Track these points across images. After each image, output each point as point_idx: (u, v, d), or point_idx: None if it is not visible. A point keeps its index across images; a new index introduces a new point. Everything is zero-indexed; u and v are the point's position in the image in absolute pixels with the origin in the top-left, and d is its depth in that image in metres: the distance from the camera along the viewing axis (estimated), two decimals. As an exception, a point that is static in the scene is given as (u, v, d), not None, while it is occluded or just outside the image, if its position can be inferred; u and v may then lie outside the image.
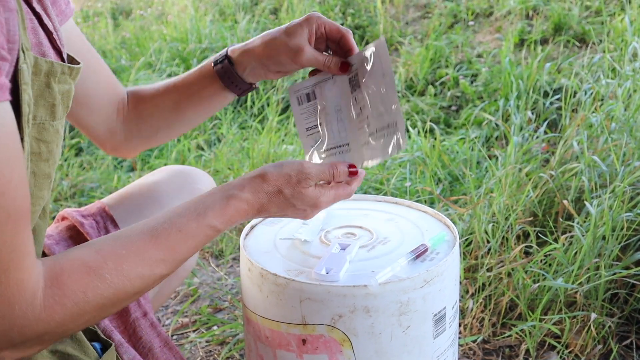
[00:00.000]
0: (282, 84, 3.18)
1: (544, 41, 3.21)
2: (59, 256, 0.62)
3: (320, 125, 0.91)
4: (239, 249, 1.88)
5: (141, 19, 4.85)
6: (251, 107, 3.10)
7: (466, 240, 1.59)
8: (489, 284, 1.43)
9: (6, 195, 0.53)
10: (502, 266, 1.44)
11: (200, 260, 1.86)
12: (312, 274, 0.81)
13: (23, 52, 0.56)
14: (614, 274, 1.32)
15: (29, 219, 0.57)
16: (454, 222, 1.64)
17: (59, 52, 0.68)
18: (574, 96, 2.25)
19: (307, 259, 0.87)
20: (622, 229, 1.38)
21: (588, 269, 1.33)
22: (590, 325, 1.26)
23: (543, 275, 1.38)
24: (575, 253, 1.39)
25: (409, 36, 3.66)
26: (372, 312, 0.77)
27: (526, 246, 1.52)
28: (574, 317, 1.32)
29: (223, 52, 0.92)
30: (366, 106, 0.84)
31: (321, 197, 0.79)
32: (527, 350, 1.31)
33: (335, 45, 0.88)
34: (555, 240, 1.48)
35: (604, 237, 1.38)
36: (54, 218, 0.99)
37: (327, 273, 0.79)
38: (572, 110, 2.24)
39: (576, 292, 1.34)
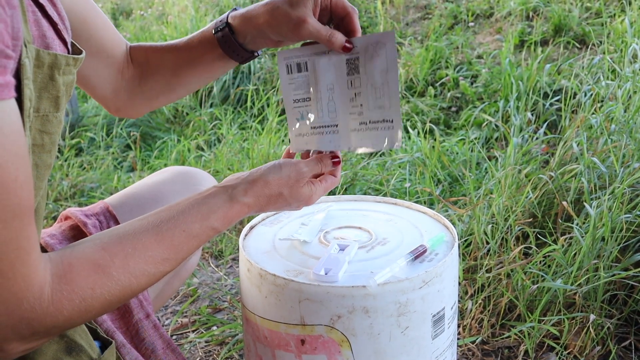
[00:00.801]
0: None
1: (544, 42, 3.21)
2: (65, 251, 0.63)
3: (310, 100, 0.88)
4: (238, 249, 1.88)
5: (141, 20, 4.86)
6: (251, 107, 3.10)
7: (465, 241, 1.59)
8: (488, 285, 1.43)
9: (12, 193, 0.53)
10: (502, 267, 1.44)
11: (200, 260, 1.86)
12: (311, 274, 0.81)
13: (25, 46, 0.56)
14: (613, 275, 1.32)
15: (32, 215, 0.57)
16: (454, 223, 1.65)
17: (63, 42, 0.67)
18: (574, 97, 2.25)
19: (306, 260, 0.87)
20: (621, 230, 1.38)
21: (587, 270, 1.34)
22: (589, 327, 1.27)
23: (542, 276, 1.38)
24: (575, 254, 1.39)
25: (409, 37, 3.67)
26: (371, 312, 0.77)
27: (525, 247, 1.52)
28: (573, 318, 1.32)
29: (224, 17, 0.88)
30: (363, 94, 0.84)
31: (313, 195, 0.85)
32: (526, 351, 1.31)
33: (338, 22, 0.84)
34: (555, 242, 1.48)
35: (603, 239, 1.38)
36: (54, 218, 0.99)
37: (325, 274, 0.80)
38: (572, 112, 2.24)
39: (575, 294, 1.34)
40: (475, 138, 2.45)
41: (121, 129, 3.03)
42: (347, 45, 0.82)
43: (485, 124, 2.53)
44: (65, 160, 2.67)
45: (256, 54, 0.91)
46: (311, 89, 0.88)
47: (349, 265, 0.84)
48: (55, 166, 2.58)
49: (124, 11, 5.48)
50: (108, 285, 0.63)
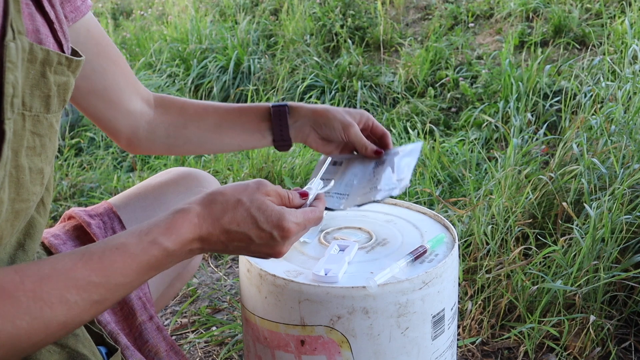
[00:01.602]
0: (282, 85, 3.18)
1: (544, 43, 3.21)
2: None
3: (334, 178, 0.99)
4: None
5: (142, 19, 4.86)
6: (251, 107, 3.10)
7: (465, 241, 1.59)
8: (488, 286, 1.43)
9: None
10: (501, 268, 1.44)
11: (199, 261, 1.86)
12: (311, 275, 0.81)
13: (13, 31, 0.55)
14: (613, 276, 1.32)
15: None
16: (454, 224, 1.65)
17: (59, 43, 0.66)
18: (574, 98, 2.26)
19: (306, 260, 0.87)
20: (621, 231, 1.38)
21: (587, 271, 1.33)
22: (589, 328, 1.26)
23: (542, 277, 1.38)
24: (574, 255, 1.39)
25: (409, 38, 3.67)
26: (371, 313, 0.77)
27: (525, 248, 1.52)
28: (573, 319, 1.32)
29: (286, 102, 0.98)
30: (380, 179, 0.95)
31: (287, 215, 0.69)
32: (526, 352, 1.31)
33: (375, 140, 1.01)
34: (555, 243, 1.48)
35: (603, 240, 1.38)
36: (54, 218, 0.98)
37: (325, 274, 0.79)
38: (572, 113, 2.24)
39: (575, 294, 1.34)
40: (475, 139, 2.45)
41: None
42: (379, 151, 0.98)
43: (485, 124, 2.53)
44: (65, 160, 2.67)
45: (290, 142, 0.99)
46: (339, 173, 0.99)
47: (348, 265, 0.84)
48: (54, 166, 2.58)
49: (124, 11, 5.48)
50: (11, 313, 0.51)
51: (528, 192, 1.62)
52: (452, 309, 0.87)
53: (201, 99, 3.36)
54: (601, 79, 2.33)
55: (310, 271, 0.82)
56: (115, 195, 2.27)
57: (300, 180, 2.19)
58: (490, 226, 1.56)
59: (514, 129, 2.15)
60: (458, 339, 1.36)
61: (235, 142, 1.00)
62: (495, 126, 2.47)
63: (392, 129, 2.69)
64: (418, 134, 2.46)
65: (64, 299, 0.55)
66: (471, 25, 3.68)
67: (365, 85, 3.11)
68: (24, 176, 0.61)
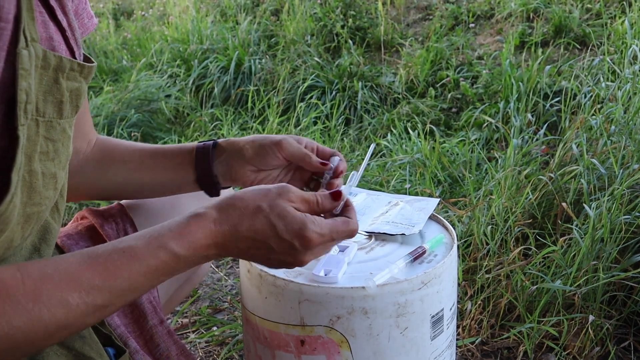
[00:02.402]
0: (282, 86, 3.19)
1: (545, 43, 3.21)
2: None
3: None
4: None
5: (143, 20, 4.87)
6: (252, 108, 3.11)
7: (465, 242, 1.60)
8: (488, 286, 1.44)
9: None
10: (501, 268, 1.44)
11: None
12: (311, 275, 0.81)
13: (25, 38, 0.55)
14: (612, 276, 1.32)
15: None
16: (453, 224, 1.65)
17: (71, 50, 0.66)
18: (574, 99, 2.26)
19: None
20: (620, 231, 1.38)
21: (586, 271, 1.34)
22: (588, 327, 1.27)
23: (541, 277, 1.39)
24: (574, 255, 1.40)
25: (410, 38, 3.67)
26: (370, 313, 0.78)
27: (525, 248, 1.53)
28: (572, 319, 1.33)
29: (212, 140, 0.91)
30: (393, 215, 0.98)
31: (310, 224, 0.65)
32: (525, 352, 1.32)
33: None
34: (554, 243, 1.49)
35: (602, 240, 1.38)
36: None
37: (325, 275, 0.80)
38: (572, 113, 2.24)
39: (574, 294, 1.34)
40: (476, 139, 2.45)
41: (122, 129, 3.03)
42: (324, 162, 0.86)
43: (485, 125, 2.54)
44: (67, 161, 2.68)
45: (216, 182, 0.90)
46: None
47: (348, 266, 0.84)
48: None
49: (125, 11, 5.48)
50: (8, 313, 0.50)
51: (528, 193, 1.63)
52: (451, 309, 0.87)
53: (202, 99, 3.37)
54: (601, 79, 2.33)
55: (310, 272, 0.82)
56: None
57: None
58: (490, 226, 1.57)
59: (514, 129, 2.16)
60: (458, 339, 1.37)
61: (156, 186, 0.93)
62: (496, 126, 2.47)
63: (392, 129, 2.69)
64: (418, 134, 2.47)
65: (64, 302, 0.53)
66: (472, 25, 3.68)
67: (366, 86, 3.11)
68: (37, 181, 0.61)
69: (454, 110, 2.92)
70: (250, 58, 3.51)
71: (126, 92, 3.17)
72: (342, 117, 2.92)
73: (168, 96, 3.33)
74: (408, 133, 2.56)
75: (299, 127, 2.73)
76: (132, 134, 3.05)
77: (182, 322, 1.55)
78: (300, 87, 3.10)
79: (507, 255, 1.47)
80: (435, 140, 2.27)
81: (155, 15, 4.93)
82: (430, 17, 3.94)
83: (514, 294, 1.39)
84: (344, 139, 2.69)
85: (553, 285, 1.33)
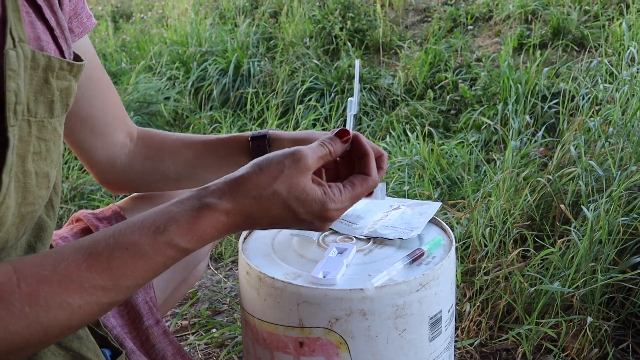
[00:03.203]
0: (282, 88, 3.19)
1: (543, 45, 3.22)
2: None
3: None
4: (237, 252, 1.89)
5: (141, 22, 4.87)
6: (251, 110, 3.11)
7: (464, 244, 1.60)
8: (486, 288, 1.44)
9: None
10: (499, 270, 1.45)
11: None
12: (310, 277, 0.81)
13: (13, 38, 0.55)
14: (610, 277, 1.33)
15: None
16: (452, 226, 1.65)
17: (60, 49, 0.66)
18: (572, 100, 2.26)
19: (305, 263, 0.88)
20: (618, 233, 1.39)
21: (584, 272, 1.34)
22: (586, 329, 1.27)
23: (540, 279, 1.39)
24: (572, 257, 1.40)
25: (409, 40, 3.68)
26: (369, 315, 0.78)
27: (523, 250, 1.53)
28: (571, 320, 1.33)
29: (264, 131, 0.92)
30: (393, 219, 0.98)
31: (330, 204, 0.64)
32: (524, 354, 1.32)
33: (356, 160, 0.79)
34: (552, 245, 1.49)
35: (600, 242, 1.38)
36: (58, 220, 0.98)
37: (324, 277, 0.80)
38: (570, 115, 2.25)
39: (573, 296, 1.35)
40: (474, 141, 2.46)
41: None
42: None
43: (484, 127, 2.54)
44: (66, 163, 2.68)
45: None
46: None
47: (347, 268, 0.85)
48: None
49: (124, 14, 5.49)
50: (4, 318, 0.49)
51: (526, 194, 1.63)
52: (449, 310, 0.87)
53: (201, 101, 3.37)
54: (599, 81, 2.34)
55: (309, 274, 0.83)
56: (115, 197, 2.28)
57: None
58: (489, 228, 1.57)
59: (513, 131, 2.16)
60: (456, 341, 1.37)
61: (212, 176, 0.92)
62: (494, 128, 2.48)
63: (391, 131, 2.69)
64: (417, 136, 2.47)
65: (64, 304, 0.51)
66: (470, 27, 3.69)
67: (364, 88, 3.12)
68: (31, 181, 0.61)
69: (452, 112, 2.93)
70: (249, 60, 3.51)
71: (125, 94, 3.18)
72: (341, 119, 2.93)
73: (167, 98, 3.33)
74: (407, 135, 2.57)
75: (298, 129, 2.74)
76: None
77: (181, 324, 1.56)
78: (299, 90, 3.10)
79: (506, 257, 1.48)
80: (434, 142, 2.28)
81: (154, 17, 4.94)
82: (429, 19, 3.95)
83: (512, 296, 1.39)
84: (343, 141, 2.69)
85: (551, 286, 1.33)
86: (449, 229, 0.95)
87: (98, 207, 2.09)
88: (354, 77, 0.84)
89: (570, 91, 2.30)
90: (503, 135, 2.36)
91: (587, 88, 2.30)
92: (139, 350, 0.86)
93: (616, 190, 1.47)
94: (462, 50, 3.38)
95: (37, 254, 0.55)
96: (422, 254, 0.87)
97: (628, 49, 2.30)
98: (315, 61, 3.39)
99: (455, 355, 1.29)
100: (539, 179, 1.68)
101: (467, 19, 3.74)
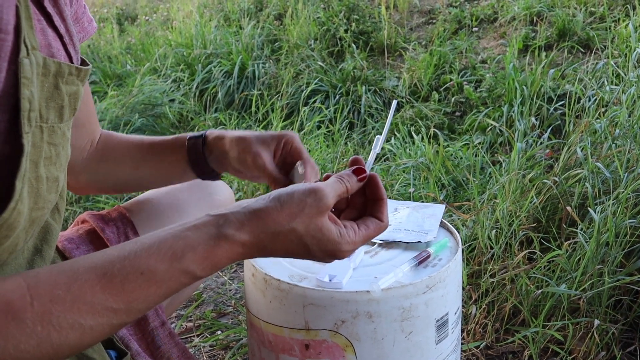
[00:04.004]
0: (286, 90, 3.19)
1: (548, 47, 3.21)
2: None
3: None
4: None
5: (146, 25, 4.88)
6: (255, 112, 3.11)
7: (470, 246, 1.59)
8: (492, 290, 1.43)
9: None
10: (506, 272, 1.44)
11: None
12: (315, 281, 0.81)
13: (26, 47, 0.56)
14: (618, 280, 1.32)
15: None
16: (458, 228, 1.65)
17: (69, 56, 0.68)
18: (578, 102, 2.26)
19: (311, 265, 0.87)
20: (625, 235, 1.38)
21: (591, 275, 1.33)
22: (593, 332, 1.26)
23: (546, 281, 1.38)
24: (579, 259, 1.39)
25: (413, 42, 3.67)
26: (375, 317, 0.78)
27: (529, 252, 1.52)
28: (577, 323, 1.32)
29: (204, 131, 0.91)
30: (405, 222, 0.98)
31: (344, 246, 0.64)
32: (530, 357, 1.31)
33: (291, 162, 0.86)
34: (559, 247, 1.48)
35: (607, 244, 1.38)
36: (64, 221, 0.98)
37: (330, 280, 0.80)
38: (576, 117, 2.24)
39: (579, 299, 1.34)
40: (479, 143, 2.45)
41: (126, 133, 3.05)
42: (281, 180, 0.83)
43: (489, 128, 2.54)
44: (71, 165, 2.69)
45: (216, 173, 0.91)
46: None
47: (353, 270, 0.84)
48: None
49: (129, 16, 5.50)
50: (15, 337, 0.48)
51: (532, 196, 1.63)
52: (455, 313, 0.87)
53: (206, 103, 3.38)
54: (605, 82, 2.33)
55: (315, 276, 0.82)
56: (120, 199, 2.29)
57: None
58: (495, 230, 1.56)
59: (518, 133, 2.16)
60: (462, 343, 1.36)
61: (156, 176, 0.94)
62: (500, 130, 2.47)
63: (396, 133, 2.69)
64: (422, 138, 2.46)
65: (76, 325, 0.51)
66: (475, 29, 3.68)
67: (369, 90, 3.11)
68: (42, 185, 0.62)
69: (457, 114, 2.92)
70: (253, 62, 3.51)
71: (130, 96, 3.18)
72: (346, 121, 2.92)
73: (172, 100, 3.34)
74: (412, 137, 2.56)
75: (303, 131, 2.73)
76: (136, 139, 3.05)
77: (186, 326, 1.56)
78: (304, 91, 3.10)
79: (512, 259, 1.47)
80: (439, 144, 2.27)
81: (159, 20, 4.95)
82: (434, 21, 3.95)
83: (518, 298, 1.38)
84: (348, 143, 2.69)
85: (558, 289, 1.33)
86: (456, 231, 0.94)
87: (103, 208, 2.10)
88: (387, 115, 0.83)
89: (576, 93, 2.29)
90: (509, 137, 2.35)
91: (593, 90, 2.29)
92: (145, 352, 0.86)
93: (623, 192, 1.46)
94: (467, 52, 3.37)
95: (50, 267, 0.55)
96: (429, 256, 0.86)
97: (634, 50, 2.29)
98: (320, 63, 3.39)
99: (461, 358, 1.28)
100: (545, 181, 1.68)
101: (472, 20, 3.74)
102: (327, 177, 0.69)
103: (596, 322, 1.27)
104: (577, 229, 1.47)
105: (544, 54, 2.99)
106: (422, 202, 1.90)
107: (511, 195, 1.66)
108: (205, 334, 1.52)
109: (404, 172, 2.17)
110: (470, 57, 3.32)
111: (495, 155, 2.35)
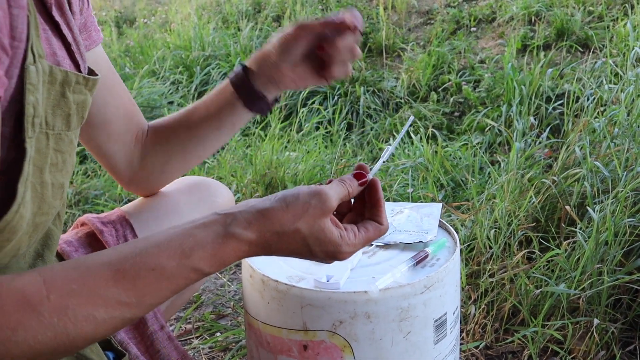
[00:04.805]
0: (284, 92, 3.19)
1: (547, 47, 3.21)
2: (6, 278, 0.53)
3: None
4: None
5: (145, 27, 4.88)
6: (254, 114, 3.11)
7: (468, 246, 1.59)
8: (492, 290, 1.43)
9: None
10: (505, 272, 1.44)
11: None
12: (313, 282, 0.81)
13: (33, 54, 0.57)
14: (617, 279, 1.32)
15: None
16: (456, 228, 1.65)
17: (76, 64, 0.68)
18: (577, 101, 2.26)
19: (309, 266, 0.87)
20: (624, 234, 1.38)
21: (591, 274, 1.33)
22: (593, 331, 1.26)
23: (545, 281, 1.38)
24: (578, 259, 1.39)
25: (412, 42, 3.67)
26: (373, 317, 0.77)
27: (528, 252, 1.52)
28: (577, 322, 1.32)
29: (237, 69, 0.92)
30: (402, 224, 0.99)
31: (344, 248, 0.67)
32: (530, 356, 1.31)
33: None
34: (558, 246, 1.48)
35: (606, 243, 1.37)
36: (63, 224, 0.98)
37: (327, 281, 0.80)
38: (575, 116, 2.24)
39: (579, 298, 1.34)
40: (478, 143, 2.45)
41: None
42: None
43: (488, 128, 2.54)
44: (70, 168, 2.68)
45: (267, 100, 0.91)
46: None
47: (350, 271, 0.84)
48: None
49: (128, 19, 5.51)
50: (34, 329, 0.51)
51: (531, 196, 1.62)
52: (454, 313, 0.87)
53: (205, 105, 3.37)
54: (604, 81, 2.33)
55: (313, 277, 0.82)
56: (120, 201, 2.28)
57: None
58: (494, 230, 1.56)
59: (517, 132, 2.15)
60: (462, 344, 1.36)
61: (211, 131, 0.94)
62: (498, 130, 2.47)
63: (395, 134, 2.69)
64: (421, 138, 2.46)
65: (90, 317, 0.54)
66: (473, 29, 3.69)
67: (368, 91, 3.11)
68: (47, 191, 0.63)
69: (456, 114, 2.92)
70: (252, 64, 3.51)
71: (129, 99, 3.18)
72: (344, 122, 2.92)
73: (171, 103, 3.34)
74: (410, 137, 2.56)
75: (301, 132, 2.73)
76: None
77: (185, 328, 1.55)
78: (302, 93, 3.10)
79: (511, 259, 1.47)
80: (437, 145, 2.27)
81: (158, 22, 4.95)
82: (432, 21, 3.95)
83: (518, 298, 1.38)
84: (346, 144, 2.69)
85: (557, 288, 1.33)
86: (454, 231, 0.94)
87: (102, 211, 2.09)
88: (380, 157, 0.85)
89: (574, 92, 2.29)
90: (507, 136, 2.35)
91: (591, 89, 2.29)
92: (144, 355, 0.86)
93: (622, 191, 1.46)
94: (466, 52, 3.37)
95: (64, 263, 0.57)
96: (427, 256, 0.86)
97: (633, 49, 2.29)
98: (318, 64, 3.38)
99: (460, 358, 1.28)
100: (543, 180, 1.67)
101: (470, 20, 3.74)
102: (330, 182, 0.71)
103: (596, 321, 1.26)
104: (576, 228, 1.46)
105: (542, 53, 2.99)
106: (421, 202, 1.90)
107: (510, 195, 1.66)
108: (204, 335, 1.52)
109: (402, 172, 2.17)
110: (468, 57, 3.32)
111: (494, 155, 2.35)
